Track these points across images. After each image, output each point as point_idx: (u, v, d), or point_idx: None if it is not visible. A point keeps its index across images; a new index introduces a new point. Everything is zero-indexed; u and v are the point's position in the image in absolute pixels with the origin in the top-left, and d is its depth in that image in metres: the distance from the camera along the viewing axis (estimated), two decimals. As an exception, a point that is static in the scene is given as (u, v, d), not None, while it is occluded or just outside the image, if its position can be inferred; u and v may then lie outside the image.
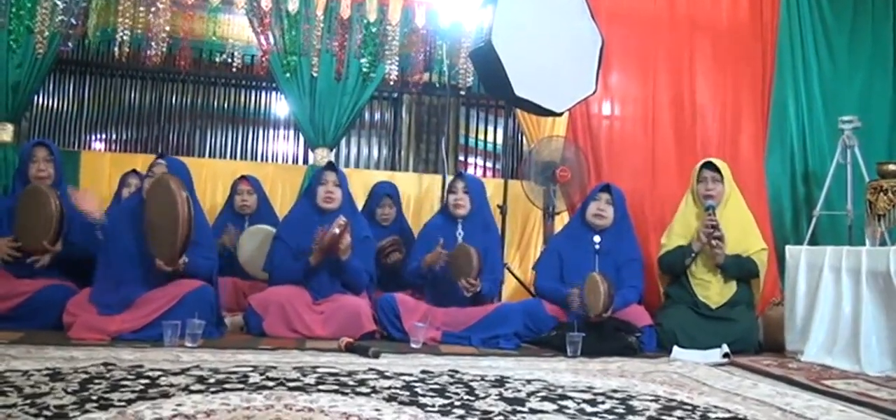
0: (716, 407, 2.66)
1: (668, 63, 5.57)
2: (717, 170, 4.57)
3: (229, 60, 6.04)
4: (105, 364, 2.81)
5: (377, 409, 2.32)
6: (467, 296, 4.24)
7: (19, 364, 2.75)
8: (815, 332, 4.09)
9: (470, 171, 7.36)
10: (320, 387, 2.62)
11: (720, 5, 5.70)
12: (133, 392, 2.36)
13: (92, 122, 7.12)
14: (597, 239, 4.52)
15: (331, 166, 4.49)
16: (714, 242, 4.40)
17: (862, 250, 3.95)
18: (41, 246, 3.84)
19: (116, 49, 5.59)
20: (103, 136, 7.19)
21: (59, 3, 5.13)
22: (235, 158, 7.21)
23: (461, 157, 7.48)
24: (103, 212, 3.91)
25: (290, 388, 2.56)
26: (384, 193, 5.20)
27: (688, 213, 4.67)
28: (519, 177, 5.38)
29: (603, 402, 2.63)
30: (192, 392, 2.42)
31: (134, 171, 5.00)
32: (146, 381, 2.56)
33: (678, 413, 2.52)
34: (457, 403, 2.46)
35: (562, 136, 5.35)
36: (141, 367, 2.81)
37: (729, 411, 2.60)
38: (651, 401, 2.72)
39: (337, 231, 4.04)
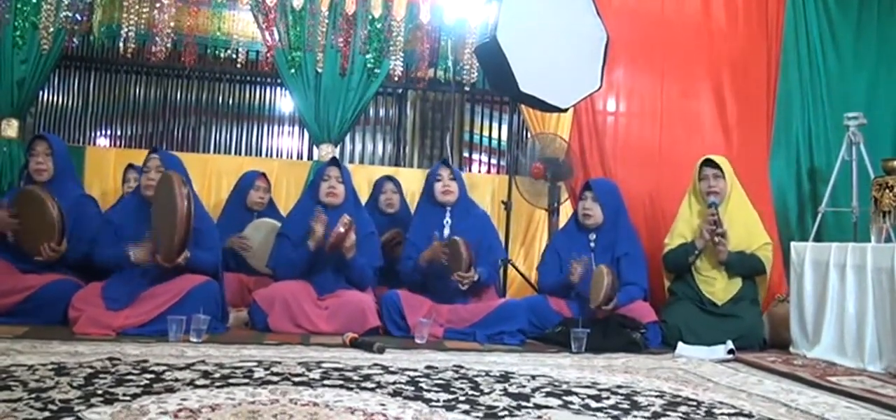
0: (721, 403, 2.66)
1: (674, 59, 5.56)
2: (717, 166, 4.57)
3: (234, 56, 6.05)
4: (110, 359, 2.81)
5: (382, 404, 2.32)
6: (463, 288, 4.23)
7: (24, 359, 2.75)
8: (820, 329, 4.09)
9: (475, 167, 7.35)
10: (325, 382, 2.62)
11: (726, 1, 5.69)
12: (138, 387, 2.37)
13: (97, 118, 7.13)
14: (592, 237, 4.55)
15: (334, 162, 4.49)
16: (717, 239, 4.40)
17: (867, 247, 3.95)
18: (48, 249, 3.84)
19: (121, 45, 5.62)
20: (108, 132, 7.20)
21: (64, -1, 5.15)
22: (240, 154, 7.22)
23: (466, 154, 7.47)
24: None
25: (295, 384, 2.57)
26: (386, 178, 5.27)
27: (690, 211, 4.67)
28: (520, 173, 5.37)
29: (607, 398, 2.63)
30: (197, 387, 2.42)
31: (131, 165, 5.00)
32: (151, 375, 2.56)
33: (683, 409, 2.52)
34: (461, 398, 2.46)
35: (551, 132, 5.35)
36: (146, 361, 2.81)
37: (734, 407, 2.60)
38: (656, 396, 2.71)
39: (342, 230, 4.05)
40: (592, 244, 4.54)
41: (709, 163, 4.61)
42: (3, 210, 3.93)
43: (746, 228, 4.56)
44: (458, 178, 4.58)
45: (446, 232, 4.45)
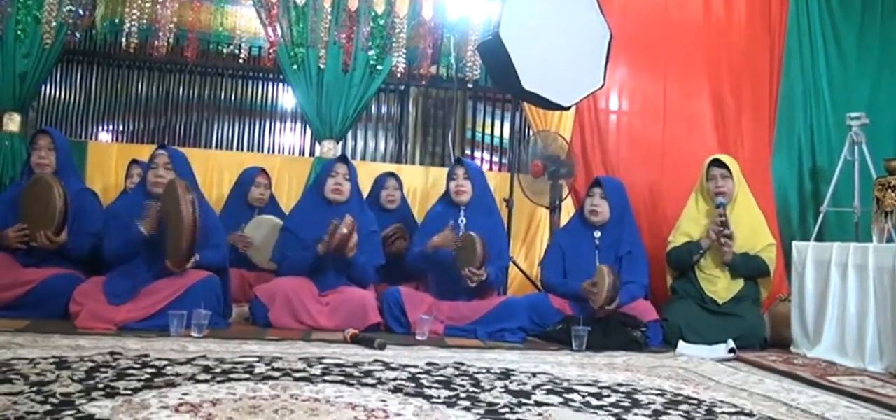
0: (722, 402, 2.66)
1: (677, 58, 5.57)
2: (725, 166, 4.57)
3: (236, 52, 6.03)
4: (111, 353, 2.82)
5: (383, 400, 2.32)
6: (472, 285, 4.23)
7: (26, 352, 2.76)
8: (821, 328, 4.10)
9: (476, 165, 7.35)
10: (326, 378, 2.62)
11: (729, 0, 5.69)
12: (139, 381, 2.37)
13: (99, 112, 7.11)
14: (597, 234, 4.54)
15: (343, 159, 4.48)
16: (723, 240, 4.40)
17: (869, 247, 3.95)
18: (46, 237, 3.85)
19: (124, 40, 5.62)
20: (110, 126, 7.19)
21: (66, -7, 5.15)
22: (242, 150, 7.21)
23: (468, 151, 7.46)
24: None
25: (296, 379, 2.56)
26: (389, 175, 5.28)
27: (696, 210, 4.68)
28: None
29: (608, 396, 2.63)
30: (198, 381, 2.42)
31: (135, 160, 5.00)
32: (152, 370, 2.56)
33: (684, 407, 2.52)
34: (462, 395, 2.46)
35: (553, 130, 5.35)
36: (147, 356, 2.81)
37: (735, 406, 2.60)
38: (657, 395, 2.71)
39: (346, 231, 4.05)
40: (597, 241, 4.53)
41: (717, 162, 4.61)
42: (11, 229, 3.94)
43: (752, 229, 4.56)
44: (475, 178, 4.59)
45: (459, 230, 4.45)
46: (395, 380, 2.66)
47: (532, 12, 4.64)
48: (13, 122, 5.11)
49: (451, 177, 4.60)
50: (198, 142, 7.16)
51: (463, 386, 2.62)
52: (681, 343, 4.08)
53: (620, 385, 2.87)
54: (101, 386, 2.25)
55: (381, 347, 3.40)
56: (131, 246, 3.85)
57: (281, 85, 7.36)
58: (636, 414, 2.38)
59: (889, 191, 4.15)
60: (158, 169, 3.98)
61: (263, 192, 5.10)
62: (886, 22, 5.86)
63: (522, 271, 5.21)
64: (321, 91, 5.47)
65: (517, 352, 3.67)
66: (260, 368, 2.71)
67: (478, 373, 2.91)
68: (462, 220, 4.51)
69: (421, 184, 5.78)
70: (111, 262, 3.93)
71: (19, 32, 5.06)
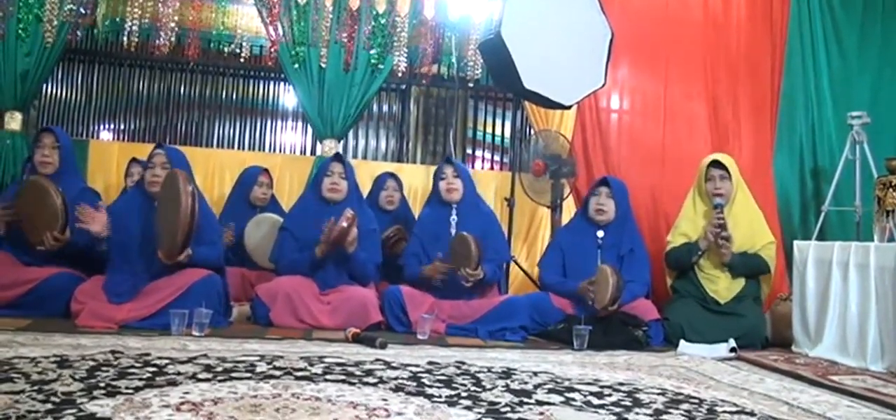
0: (723, 401, 2.66)
1: (678, 57, 5.57)
2: (724, 167, 4.56)
3: (238, 51, 6.03)
4: (113, 352, 2.82)
5: (384, 399, 2.32)
6: (468, 286, 4.23)
7: (27, 351, 2.76)
8: (822, 328, 4.09)
9: (478, 164, 7.35)
10: (327, 376, 2.62)
11: (730, 0, 5.69)
12: (140, 380, 2.37)
13: (100, 111, 7.11)
14: (600, 234, 4.53)
15: (338, 157, 4.49)
16: (721, 242, 4.40)
17: (870, 246, 3.94)
18: (50, 238, 3.84)
19: (125, 38, 5.63)
20: (111, 125, 7.19)
21: (68, -9, 5.15)
22: (243, 149, 7.20)
23: (469, 150, 7.46)
24: (107, 227, 3.87)
25: (298, 378, 2.57)
26: (389, 175, 5.28)
27: (694, 210, 4.67)
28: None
29: (610, 395, 2.63)
30: (199, 380, 2.42)
31: (135, 159, 5.01)
32: (154, 369, 2.57)
33: (685, 407, 2.52)
34: (463, 394, 2.46)
35: (554, 130, 5.35)
36: (148, 355, 2.81)
37: (736, 405, 2.59)
38: (658, 394, 2.71)
39: (345, 225, 4.05)
40: (600, 241, 4.52)
41: (715, 164, 4.60)
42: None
43: (750, 228, 4.56)
44: (464, 176, 4.59)
45: (452, 230, 4.45)
46: (396, 379, 2.66)
47: (533, 11, 4.64)
48: (14, 121, 5.11)
49: (440, 176, 4.58)
50: (199, 141, 7.16)
51: (464, 385, 2.62)
52: (682, 342, 4.08)
53: (622, 384, 2.87)
54: (102, 385, 2.26)
55: (383, 346, 3.40)
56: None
57: (282, 84, 7.35)
58: (637, 413, 2.38)
59: (890, 190, 4.15)
60: (155, 168, 3.99)
61: (266, 191, 5.11)
62: (888, 21, 5.85)
63: (524, 271, 5.21)
64: (322, 90, 5.47)
65: (518, 351, 3.67)
66: (261, 367, 2.71)
67: (479, 372, 2.92)
68: (454, 218, 4.51)
69: (422, 183, 5.77)
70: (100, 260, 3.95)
71: (21, 31, 5.06)
